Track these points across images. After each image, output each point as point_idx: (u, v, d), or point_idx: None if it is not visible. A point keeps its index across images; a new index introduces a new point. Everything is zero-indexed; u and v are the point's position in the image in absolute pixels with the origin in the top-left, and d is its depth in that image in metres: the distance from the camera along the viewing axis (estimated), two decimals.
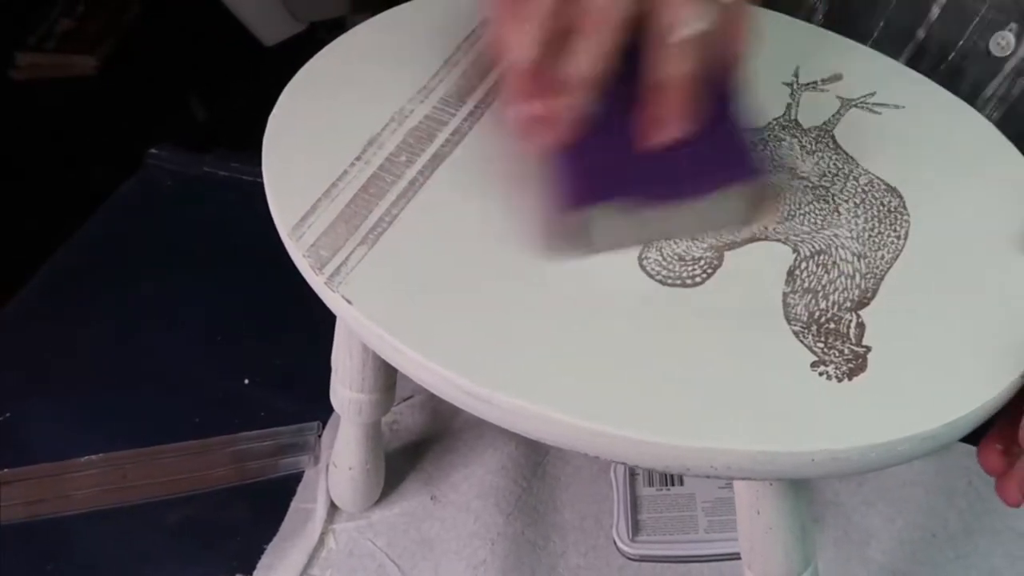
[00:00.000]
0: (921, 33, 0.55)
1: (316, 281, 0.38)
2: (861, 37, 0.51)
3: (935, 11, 0.54)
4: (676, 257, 0.39)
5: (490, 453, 0.59)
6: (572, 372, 0.35)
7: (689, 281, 0.38)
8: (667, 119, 0.38)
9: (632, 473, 0.57)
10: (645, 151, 0.38)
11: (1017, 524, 0.56)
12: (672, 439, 0.34)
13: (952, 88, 0.46)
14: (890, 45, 0.56)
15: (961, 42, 0.55)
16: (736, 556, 0.43)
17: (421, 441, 0.59)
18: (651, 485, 0.57)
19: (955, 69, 0.56)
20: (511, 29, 0.38)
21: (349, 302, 0.37)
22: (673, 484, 0.57)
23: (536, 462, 0.59)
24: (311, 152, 0.42)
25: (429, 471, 0.58)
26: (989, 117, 0.55)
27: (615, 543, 0.55)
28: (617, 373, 0.35)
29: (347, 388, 0.48)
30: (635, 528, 0.55)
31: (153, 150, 0.71)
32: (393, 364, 0.37)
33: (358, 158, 0.41)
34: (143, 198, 0.70)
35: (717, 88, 0.38)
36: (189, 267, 0.67)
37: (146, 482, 0.56)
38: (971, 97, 0.56)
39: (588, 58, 0.37)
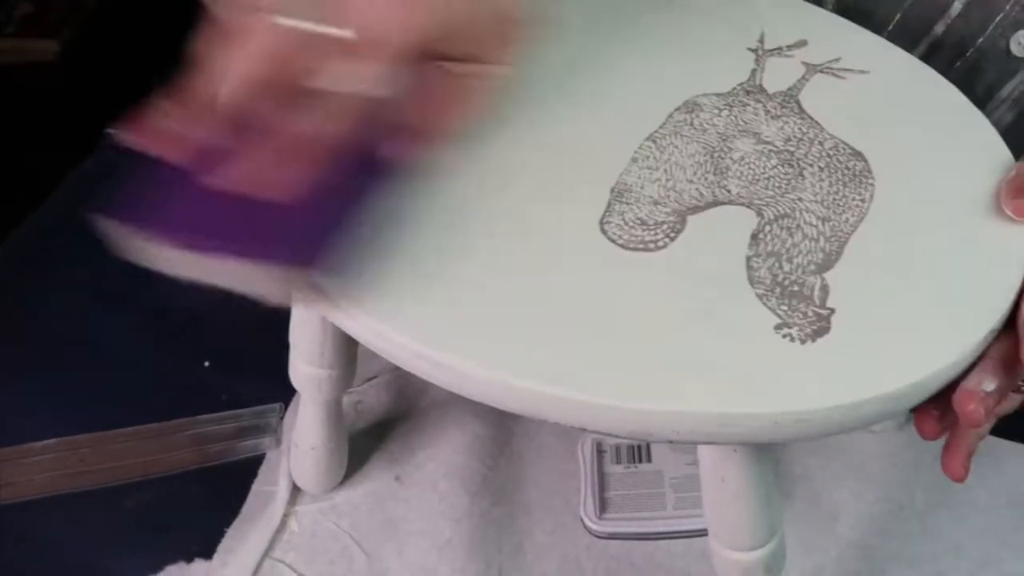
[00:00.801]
0: (940, 28, 0.52)
1: None
2: (876, 28, 0.49)
3: (957, 6, 0.52)
4: (638, 222, 0.38)
5: (456, 433, 0.58)
6: (533, 338, 0.35)
7: (652, 245, 0.37)
8: (274, 176, 0.34)
9: (599, 450, 0.57)
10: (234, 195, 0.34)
11: (982, 497, 0.56)
12: (634, 403, 0.33)
13: (967, 87, 0.44)
14: (905, 38, 0.53)
15: (981, 39, 0.52)
16: (705, 532, 0.43)
17: (386, 421, 0.58)
18: (619, 462, 0.56)
19: (972, 67, 0.53)
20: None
21: None
22: (641, 461, 0.56)
23: (502, 441, 0.58)
24: None
25: (394, 451, 0.57)
26: (1002, 118, 0.54)
27: (582, 521, 0.54)
28: (579, 338, 0.35)
29: (306, 364, 0.47)
30: (602, 506, 0.55)
31: (110, 131, 0.70)
32: (349, 333, 0.36)
33: None
34: (100, 180, 0.69)
35: (359, 156, 0.35)
36: None
37: (104, 466, 0.55)
38: (986, 97, 0.54)
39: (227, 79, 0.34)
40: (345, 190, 0.35)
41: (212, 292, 0.36)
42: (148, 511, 0.54)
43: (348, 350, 0.47)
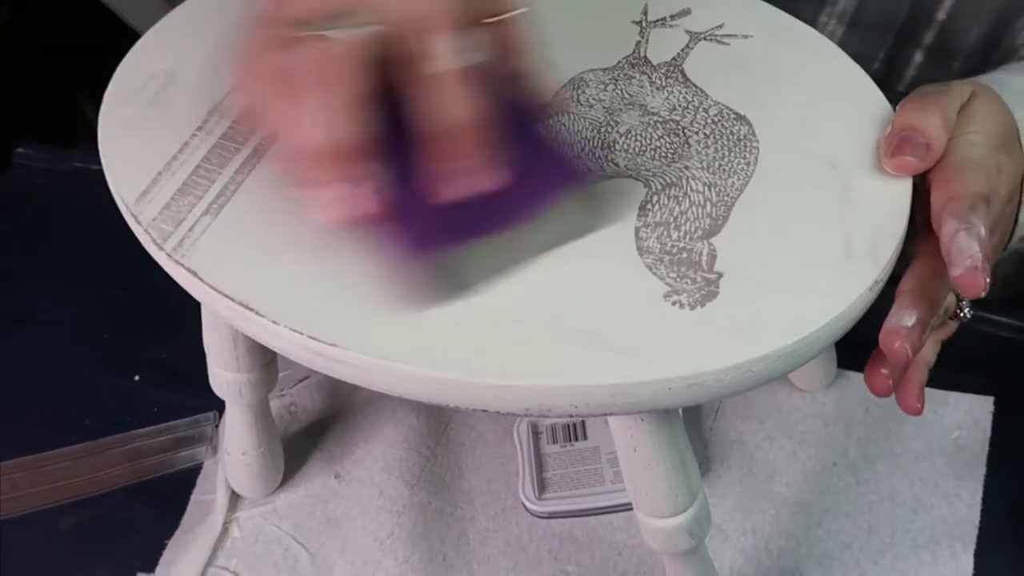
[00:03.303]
0: None
1: (160, 256, 0.37)
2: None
3: None
4: None
5: (392, 427, 0.58)
6: (424, 326, 0.35)
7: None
8: (469, 170, 0.35)
9: (535, 432, 0.57)
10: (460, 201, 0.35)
11: (914, 447, 0.56)
12: (530, 380, 0.34)
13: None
14: None
15: None
16: None
17: (321, 421, 0.59)
18: (555, 442, 0.57)
19: None
20: (286, 109, 0.34)
21: (193, 273, 0.36)
22: (576, 439, 0.57)
23: (439, 431, 0.58)
24: (151, 127, 0.41)
25: (331, 450, 0.57)
26: (835, 31, 0.55)
27: (523, 503, 0.55)
28: (471, 323, 0.35)
29: (223, 369, 0.47)
30: (541, 486, 0.55)
31: (20, 149, 0.69)
32: (246, 333, 0.37)
33: (199, 129, 0.40)
34: (15, 198, 0.68)
35: (511, 110, 0.36)
36: (69, 266, 0.65)
37: (37, 489, 0.54)
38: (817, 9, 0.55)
39: (320, 129, 0.33)
40: (529, 133, 0.37)
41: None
42: (86, 531, 0.54)
43: (264, 352, 0.47)
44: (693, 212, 0.38)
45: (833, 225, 0.37)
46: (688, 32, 0.44)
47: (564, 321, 0.35)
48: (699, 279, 0.36)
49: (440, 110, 0.34)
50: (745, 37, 0.44)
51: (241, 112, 0.40)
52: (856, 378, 0.59)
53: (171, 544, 0.53)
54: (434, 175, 0.35)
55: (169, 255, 0.36)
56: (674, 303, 0.35)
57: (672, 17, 0.45)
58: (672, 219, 0.38)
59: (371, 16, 0.34)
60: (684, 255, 0.37)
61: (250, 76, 0.35)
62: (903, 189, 0.38)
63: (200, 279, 0.36)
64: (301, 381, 0.60)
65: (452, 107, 0.34)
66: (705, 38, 0.44)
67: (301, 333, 0.35)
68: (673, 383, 0.34)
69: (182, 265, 0.36)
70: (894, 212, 0.38)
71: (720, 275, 0.36)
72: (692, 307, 0.35)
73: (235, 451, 0.52)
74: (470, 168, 0.35)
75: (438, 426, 0.58)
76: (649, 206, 0.38)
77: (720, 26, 0.44)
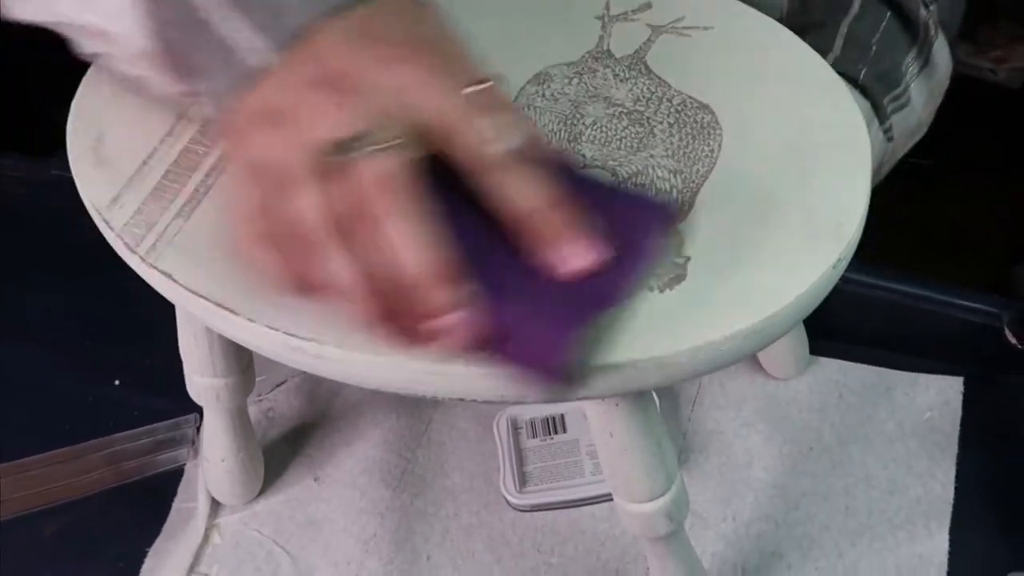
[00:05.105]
0: None
1: (132, 260, 0.37)
2: None
3: None
4: None
5: (371, 429, 0.58)
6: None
7: None
8: (567, 243, 0.33)
9: (515, 427, 0.57)
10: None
11: (887, 429, 0.57)
12: (505, 367, 0.34)
13: None
14: None
15: None
16: None
17: (300, 426, 0.59)
18: (534, 436, 0.57)
19: None
20: (320, 260, 0.32)
21: (167, 275, 0.36)
22: (556, 432, 0.57)
23: (419, 432, 0.58)
24: (120, 132, 0.41)
25: (311, 454, 0.58)
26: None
27: (505, 497, 0.55)
28: None
29: (199, 375, 0.47)
30: (522, 480, 0.55)
31: None
32: (223, 334, 0.37)
33: (168, 134, 0.41)
34: None
35: (563, 172, 0.35)
36: (49, 273, 0.66)
37: (19, 495, 0.54)
38: None
39: (414, 254, 0.31)
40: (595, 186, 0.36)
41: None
42: (68, 536, 0.54)
43: (240, 356, 0.47)
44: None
45: (796, 206, 0.38)
46: (650, 25, 0.45)
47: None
48: (667, 263, 0.37)
49: (519, 193, 0.33)
50: (705, 29, 0.45)
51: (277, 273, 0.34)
52: (828, 365, 0.60)
53: (152, 552, 0.53)
54: (543, 263, 0.33)
55: (143, 259, 0.37)
56: (644, 287, 0.36)
57: (634, 11, 0.46)
58: None
59: (395, 125, 0.32)
60: None
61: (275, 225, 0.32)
62: (863, 168, 0.39)
63: (175, 281, 0.36)
64: (278, 386, 0.60)
65: (529, 188, 0.33)
66: (666, 31, 0.45)
67: (278, 330, 0.35)
68: (645, 364, 0.34)
69: (156, 268, 0.36)
70: (854, 191, 0.38)
71: (688, 259, 0.37)
72: (662, 290, 0.36)
73: (214, 457, 0.52)
74: (577, 243, 0.33)
75: (418, 427, 0.59)
76: None
77: (681, 19, 0.45)
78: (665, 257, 0.36)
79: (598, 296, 0.34)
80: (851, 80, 0.56)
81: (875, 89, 0.56)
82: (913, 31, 0.58)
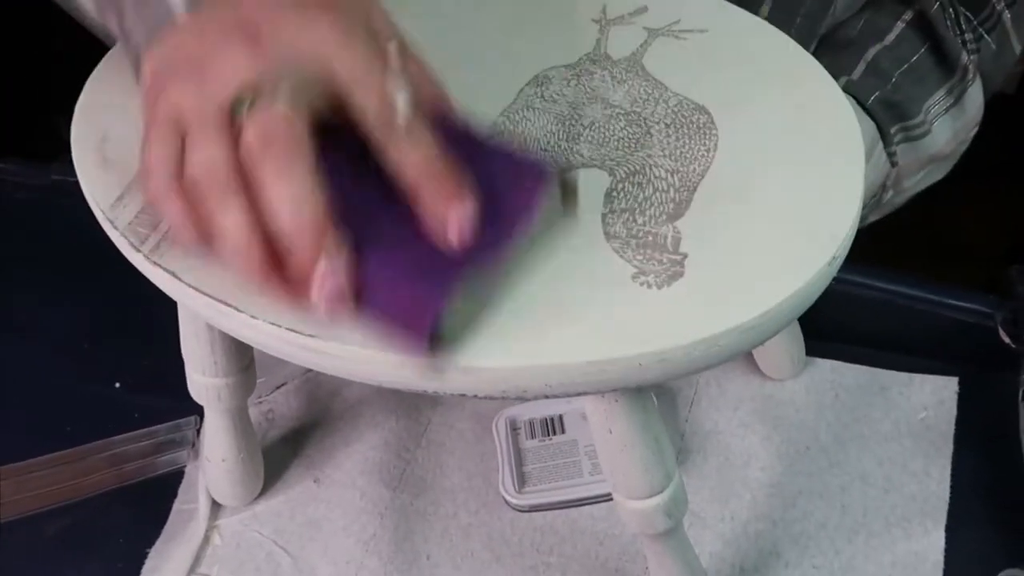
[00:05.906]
0: None
1: (136, 258, 0.38)
2: None
3: None
4: None
5: (371, 431, 0.59)
6: None
7: None
8: (446, 208, 0.34)
9: (513, 428, 0.58)
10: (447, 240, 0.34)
11: (882, 428, 0.58)
12: (504, 362, 0.35)
13: None
14: None
15: None
16: None
17: (300, 427, 0.59)
18: (533, 437, 0.58)
19: None
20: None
21: (171, 273, 0.37)
22: (555, 433, 0.58)
23: (419, 433, 0.59)
24: (125, 133, 0.41)
25: (311, 455, 0.58)
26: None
27: (504, 498, 0.56)
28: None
29: (201, 374, 0.47)
30: (521, 480, 0.56)
31: None
32: (226, 331, 0.37)
33: None
34: None
35: (454, 133, 0.36)
36: (49, 276, 0.66)
37: (20, 497, 0.54)
38: None
39: (290, 206, 0.32)
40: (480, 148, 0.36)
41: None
42: (69, 537, 0.54)
43: (241, 356, 0.47)
44: (657, 198, 0.39)
45: (791, 205, 0.39)
46: (646, 28, 0.46)
47: (534, 303, 0.36)
48: (665, 260, 0.37)
49: (405, 154, 0.34)
50: (701, 32, 0.46)
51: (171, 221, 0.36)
52: (824, 365, 0.61)
53: (152, 553, 0.54)
54: (429, 221, 0.34)
55: (147, 257, 0.37)
56: (642, 283, 0.37)
57: (630, 15, 0.47)
58: (637, 205, 0.39)
59: (304, 78, 0.33)
60: (650, 238, 0.38)
61: (165, 179, 0.34)
62: (856, 167, 0.40)
63: (179, 279, 0.37)
64: (278, 388, 0.60)
65: (414, 149, 0.34)
66: (663, 34, 0.46)
67: (280, 326, 0.35)
68: (644, 359, 0.35)
69: (160, 266, 0.37)
70: (848, 189, 0.39)
71: (685, 256, 0.37)
72: (659, 287, 0.36)
73: (215, 457, 0.52)
74: (452, 206, 0.34)
75: (417, 428, 0.59)
76: (615, 194, 0.40)
77: (677, 22, 0.46)
78: (545, 219, 0.36)
79: (470, 258, 0.34)
80: (859, 103, 0.56)
81: (881, 116, 0.56)
82: (948, 70, 0.57)
